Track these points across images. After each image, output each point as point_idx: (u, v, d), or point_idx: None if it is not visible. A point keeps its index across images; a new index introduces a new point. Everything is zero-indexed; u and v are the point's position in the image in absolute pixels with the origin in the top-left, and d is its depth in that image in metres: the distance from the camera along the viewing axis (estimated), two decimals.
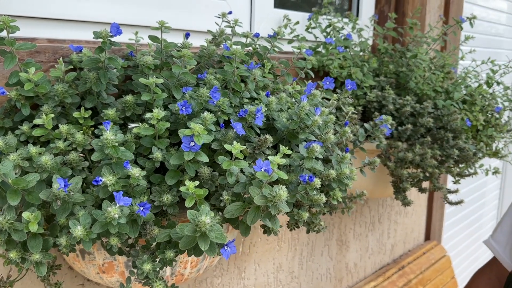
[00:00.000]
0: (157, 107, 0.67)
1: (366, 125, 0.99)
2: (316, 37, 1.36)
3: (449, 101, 1.24)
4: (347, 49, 1.34)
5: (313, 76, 1.02)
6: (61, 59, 0.71)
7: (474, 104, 1.31)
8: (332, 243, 1.60)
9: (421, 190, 1.28)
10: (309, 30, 1.34)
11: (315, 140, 0.77)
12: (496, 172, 1.37)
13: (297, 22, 1.37)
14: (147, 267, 0.61)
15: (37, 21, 0.87)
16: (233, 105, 0.77)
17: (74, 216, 0.60)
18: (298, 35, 1.34)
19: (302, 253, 1.49)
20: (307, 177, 0.68)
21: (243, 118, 0.69)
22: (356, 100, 1.34)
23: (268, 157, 0.58)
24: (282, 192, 0.56)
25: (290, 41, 1.36)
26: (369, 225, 1.75)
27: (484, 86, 1.34)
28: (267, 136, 0.70)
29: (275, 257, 1.40)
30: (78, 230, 0.57)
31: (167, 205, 0.63)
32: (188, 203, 0.60)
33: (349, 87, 0.90)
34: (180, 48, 0.79)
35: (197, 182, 0.60)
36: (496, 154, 1.36)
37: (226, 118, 0.72)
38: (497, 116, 1.35)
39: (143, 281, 0.64)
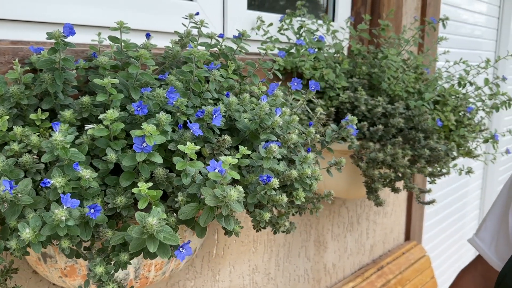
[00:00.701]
0: (113, 108, 0.67)
1: (333, 125, 0.99)
2: (289, 39, 1.36)
3: (420, 102, 1.25)
4: (320, 51, 1.35)
5: (281, 77, 1.02)
6: (16, 60, 0.71)
7: (446, 104, 1.32)
8: (309, 244, 1.60)
9: (394, 190, 1.29)
10: (282, 31, 1.35)
11: (276, 141, 0.77)
12: (469, 172, 1.39)
13: (271, 24, 1.37)
14: (99, 269, 0.60)
15: (1, 23, 0.86)
16: (195, 106, 0.77)
17: (24, 219, 0.59)
18: (271, 37, 1.34)
19: (279, 254, 1.49)
20: (265, 178, 0.68)
21: (201, 119, 0.69)
22: (329, 101, 1.35)
23: (221, 158, 0.58)
24: (233, 192, 0.56)
25: (263, 43, 1.36)
26: (347, 226, 1.76)
27: (456, 87, 1.36)
28: (226, 136, 0.70)
29: (251, 259, 1.40)
30: (26, 233, 0.56)
31: (121, 207, 0.63)
32: (140, 205, 0.60)
33: (312, 88, 0.90)
34: (142, 48, 0.79)
35: (150, 184, 0.59)
36: (468, 154, 1.37)
37: (186, 119, 0.71)
38: (470, 116, 1.36)
39: (96, 284, 0.63)
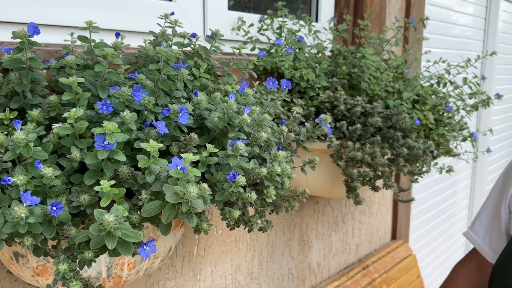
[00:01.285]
0: (79, 107, 0.67)
1: (307, 124, 1.00)
2: (269, 39, 1.37)
3: (398, 101, 1.26)
4: (301, 51, 1.35)
5: (256, 77, 1.03)
6: None
7: (426, 103, 1.34)
8: (293, 244, 1.60)
9: (374, 188, 1.30)
10: (261, 32, 1.35)
11: (245, 139, 0.77)
12: (449, 170, 1.40)
13: (252, 24, 1.38)
14: (63, 267, 0.61)
15: None
16: (165, 105, 0.77)
17: None
18: (251, 37, 1.35)
19: (262, 254, 1.49)
20: (231, 175, 0.69)
21: (167, 117, 0.70)
22: (310, 100, 1.36)
23: (182, 155, 0.59)
24: (193, 189, 0.57)
25: (244, 43, 1.37)
26: (332, 225, 1.77)
27: (435, 86, 1.37)
28: (192, 134, 0.70)
29: (233, 259, 1.40)
30: None
31: (85, 205, 0.63)
32: (103, 203, 0.60)
33: (284, 87, 0.91)
34: (111, 47, 0.79)
35: (113, 182, 0.60)
36: (448, 152, 1.38)
37: (153, 117, 0.72)
38: (450, 115, 1.37)
39: (61, 282, 0.63)
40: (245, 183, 0.70)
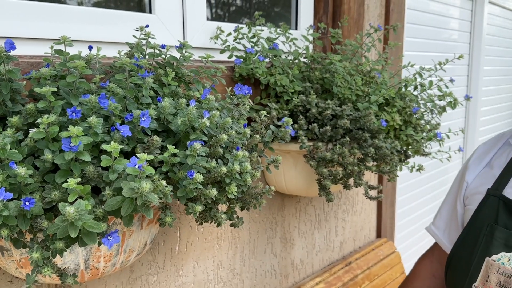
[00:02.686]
0: (53, 113, 0.76)
1: (272, 127, 1.07)
2: (245, 47, 1.45)
3: (366, 104, 1.34)
4: (276, 57, 1.43)
5: (224, 83, 1.11)
6: None
7: (394, 106, 1.41)
8: (275, 241, 1.68)
9: (346, 187, 1.37)
10: (237, 40, 1.43)
11: (205, 140, 0.85)
12: (419, 169, 1.47)
13: (230, 33, 1.47)
14: (35, 255, 0.69)
15: None
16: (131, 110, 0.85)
17: None
18: (228, 46, 1.43)
19: (244, 251, 1.57)
20: (190, 173, 0.77)
21: (131, 122, 0.78)
22: (285, 104, 1.44)
23: (137, 155, 0.67)
24: (146, 184, 0.65)
25: (221, 51, 1.45)
26: (314, 223, 1.84)
27: (403, 89, 1.44)
28: (154, 137, 0.78)
29: (215, 255, 1.48)
30: None
31: (56, 201, 0.71)
32: (70, 198, 0.68)
33: (245, 92, 0.99)
34: (85, 59, 0.88)
35: (79, 179, 0.68)
36: (418, 152, 1.45)
37: (120, 122, 0.80)
38: (418, 116, 1.44)
39: (35, 269, 0.71)
40: (202, 180, 0.78)
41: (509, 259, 0.84)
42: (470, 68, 2.95)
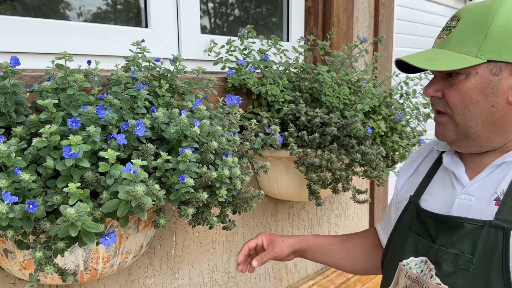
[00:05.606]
0: (54, 123, 0.82)
1: (261, 134, 1.14)
2: (237, 59, 1.52)
3: (352, 112, 1.40)
4: (267, 68, 1.50)
5: (216, 94, 1.17)
6: None
7: (380, 113, 1.47)
8: None
9: (335, 191, 1.43)
10: (229, 53, 1.50)
11: (196, 147, 0.91)
12: None
13: (223, 46, 1.53)
14: (38, 254, 0.74)
15: None
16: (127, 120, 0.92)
17: None
18: (222, 58, 1.50)
19: None
20: (181, 178, 0.83)
21: (127, 130, 0.84)
22: (276, 113, 1.50)
23: (131, 160, 0.73)
24: (140, 187, 0.71)
25: (215, 63, 1.52)
26: (308, 228, 1.89)
27: (389, 98, 1.50)
28: (148, 144, 0.84)
29: (210, 259, 1.53)
30: None
31: (58, 204, 0.77)
32: (71, 201, 0.74)
33: (234, 102, 1.05)
34: (84, 73, 0.94)
35: (79, 184, 0.74)
36: (403, 157, 1.51)
37: (116, 131, 0.86)
38: (403, 123, 1.51)
39: (39, 267, 0.77)
40: (193, 184, 0.84)
41: (416, 264, 0.88)
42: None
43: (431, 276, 0.85)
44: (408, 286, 0.89)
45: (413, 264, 0.90)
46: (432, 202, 0.94)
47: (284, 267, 1.81)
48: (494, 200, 0.82)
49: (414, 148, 1.54)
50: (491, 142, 0.86)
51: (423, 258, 0.88)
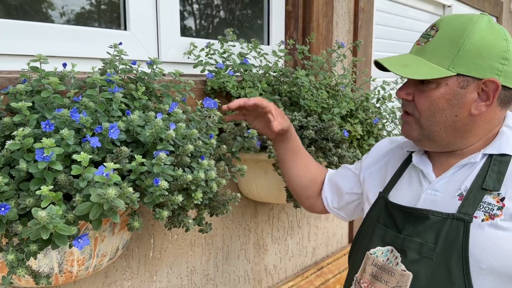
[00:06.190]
0: (28, 126, 0.82)
1: (239, 138, 1.15)
2: (217, 62, 1.53)
3: (329, 115, 1.43)
4: (247, 72, 1.52)
5: (194, 97, 1.18)
6: None
7: (357, 117, 1.50)
8: (249, 247, 1.74)
9: None
10: (209, 56, 1.51)
11: (172, 151, 0.92)
12: None
13: (202, 49, 1.55)
14: (10, 256, 0.74)
15: None
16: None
17: None
18: (201, 60, 1.51)
19: (217, 256, 1.63)
20: (155, 180, 0.83)
21: (101, 133, 0.85)
22: None
23: (104, 164, 0.73)
24: (111, 190, 0.71)
25: (195, 65, 1.53)
26: (287, 230, 1.91)
27: (366, 102, 1.53)
28: (123, 147, 0.85)
29: (189, 261, 1.54)
30: None
31: (30, 207, 0.77)
32: (43, 204, 0.74)
33: (211, 106, 1.06)
34: (60, 76, 0.94)
35: (51, 187, 0.74)
36: None
37: (90, 134, 0.86)
38: (379, 127, 1.54)
39: (11, 270, 0.77)
40: (167, 187, 0.85)
41: (382, 252, 0.94)
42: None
43: (397, 264, 0.90)
44: (375, 273, 0.93)
45: (379, 253, 0.95)
46: (400, 196, 1.00)
47: (264, 268, 1.82)
48: (457, 195, 0.89)
49: None
50: (452, 145, 0.93)
51: (389, 247, 0.94)
